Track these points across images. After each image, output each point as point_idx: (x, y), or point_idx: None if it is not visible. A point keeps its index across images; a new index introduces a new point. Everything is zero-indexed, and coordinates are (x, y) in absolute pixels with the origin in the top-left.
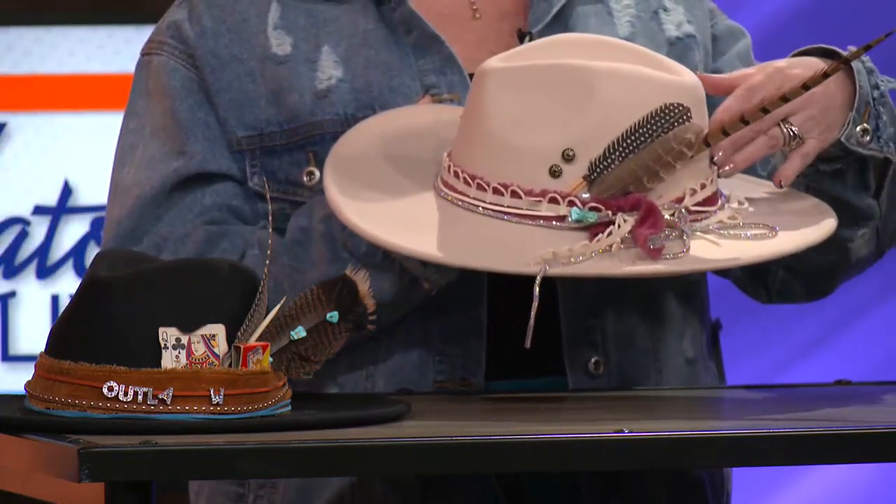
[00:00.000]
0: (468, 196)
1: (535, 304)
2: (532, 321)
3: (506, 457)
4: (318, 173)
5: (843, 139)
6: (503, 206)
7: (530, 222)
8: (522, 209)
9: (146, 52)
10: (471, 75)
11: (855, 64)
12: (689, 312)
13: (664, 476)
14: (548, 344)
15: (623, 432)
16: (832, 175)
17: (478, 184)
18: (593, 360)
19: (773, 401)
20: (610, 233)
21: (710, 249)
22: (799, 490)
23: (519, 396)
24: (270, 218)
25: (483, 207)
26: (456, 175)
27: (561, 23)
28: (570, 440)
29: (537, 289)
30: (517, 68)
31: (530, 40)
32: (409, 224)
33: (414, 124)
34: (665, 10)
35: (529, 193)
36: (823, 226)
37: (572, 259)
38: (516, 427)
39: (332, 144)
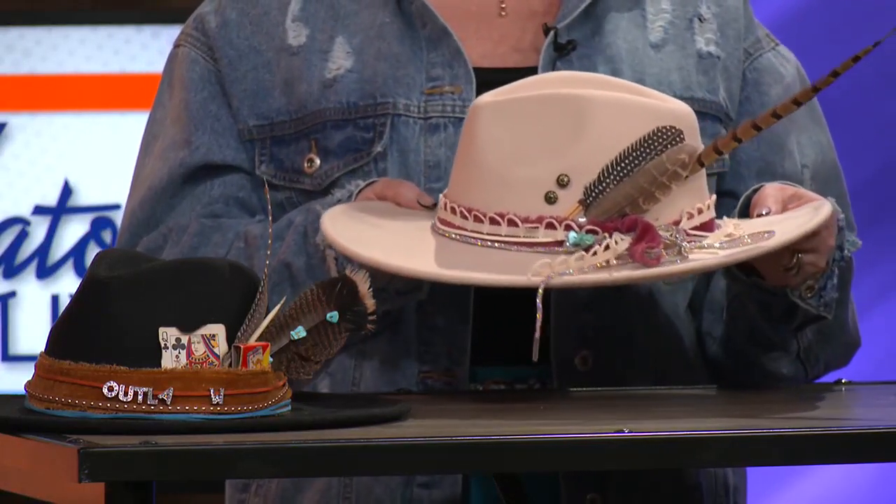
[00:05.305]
0: (466, 229)
1: (540, 315)
2: (538, 334)
3: (506, 457)
4: (317, 161)
5: (786, 290)
6: (500, 235)
7: (528, 249)
8: (520, 237)
9: (176, 44)
10: (481, 69)
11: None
12: (693, 321)
13: (664, 479)
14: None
15: (623, 432)
16: (759, 305)
17: (474, 216)
18: (580, 355)
19: (773, 401)
20: (607, 247)
21: (710, 256)
22: (799, 490)
23: (518, 396)
24: (270, 217)
25: (481, 240)
26: (452, 211)
27: (591, 22)
28: (570, 440)
29: (540, 301)
30: (509, 100)
31: (555, 35)
32: (405, 251)
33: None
34: (701, 19)
35: (526, 221)
36: (821, 212)
37: (570, 271)
38: (516, 427)
39: (333, 132)
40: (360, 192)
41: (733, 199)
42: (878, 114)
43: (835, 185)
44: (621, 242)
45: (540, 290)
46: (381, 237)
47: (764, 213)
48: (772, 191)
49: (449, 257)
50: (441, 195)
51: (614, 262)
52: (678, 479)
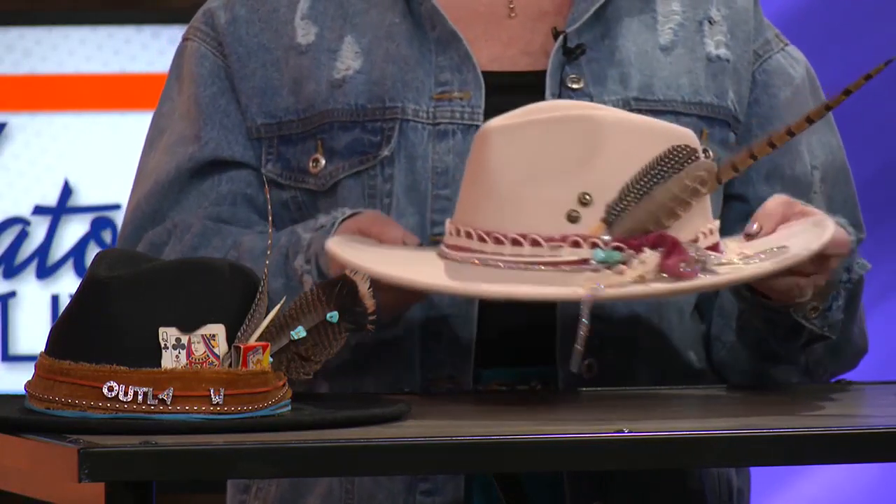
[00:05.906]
0: (485, 252)
1: (584, 333)
2: (580, 347)
3: (506, 457)
4: (322, 161)
5: (791, 310)
6: (524, 255)
7: (554, 269)
8: (544, 257)
9: (184, 38)
10: (490, 73)
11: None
12: (699, 326)
13: (668, 482)
14: (542, 335)
15: (623, 432)
16: (766, 322)
17: (494, 238)
18: (586, 362)
19: (773, 401)
20: (643, 261)
21: (740, 269)
22: (799, 490)
23: (519, 397)
24: (270, 217)
25: (504, 262)
26: (468, 235)
27: (601, 25)
28: (570, 440)
29: (585, 319)
30: (520, 124)
31: (565, 39)
32: (429, 275)
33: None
34: (711, 22)
35: (550, 240)
36: (825, 227)
37: (602, 285)
38: (516, 427)
39: (340, 133)
40: (344, 220)
41: (741, 203)
42: (878, 114)
43: (844, 186)
44: (653, 258)
45: (585, 306)
46: (396, 262)
47: (754, 229)
48: (769, 209)
49: (477, 278)
50: (447, 221)
51: (649, 276)
52: (682, 484)
